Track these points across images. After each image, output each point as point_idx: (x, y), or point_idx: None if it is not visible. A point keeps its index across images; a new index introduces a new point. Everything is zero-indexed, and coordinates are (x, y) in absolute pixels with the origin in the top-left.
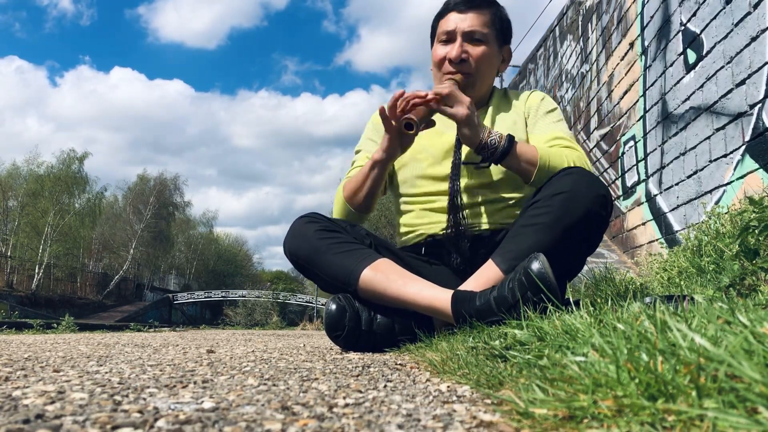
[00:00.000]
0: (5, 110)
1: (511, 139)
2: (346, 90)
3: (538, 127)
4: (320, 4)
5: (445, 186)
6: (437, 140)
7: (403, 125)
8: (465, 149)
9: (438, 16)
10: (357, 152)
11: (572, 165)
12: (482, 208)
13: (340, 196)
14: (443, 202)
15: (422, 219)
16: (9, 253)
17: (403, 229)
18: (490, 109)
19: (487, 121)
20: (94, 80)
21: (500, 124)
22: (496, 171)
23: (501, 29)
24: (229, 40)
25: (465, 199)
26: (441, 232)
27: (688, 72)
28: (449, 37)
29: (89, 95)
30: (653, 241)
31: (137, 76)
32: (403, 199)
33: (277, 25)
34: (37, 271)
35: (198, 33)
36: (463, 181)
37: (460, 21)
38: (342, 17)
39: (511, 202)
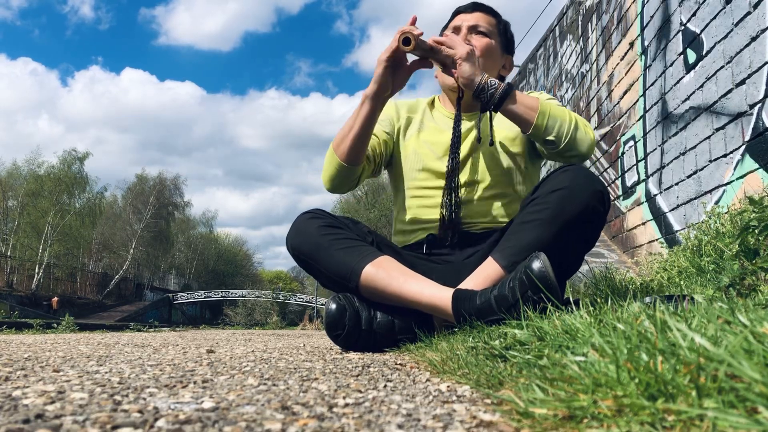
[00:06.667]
0: (18, 112)
1: (510, 84)
2: (355, 90)
3: None
4: (334, 8)
5: (443, 182)
6: (438, 137)
7: (400, 41)
8: (465, 147)
9: (446, 24)
10: None
11: (572, 120)
12: (477, 206)
13: (329, 151)
14: (440, 199)
15: (422, 217)
16: (9, 253)
17: (402, 227)
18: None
19: (486, 121)
20: (106, 81)
21: (501, 124)
22: (494, 165)
23: (505, 36)
24: (243, 43)
25: (462, 195)
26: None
27: (688, 72)
28: (455, 32)
29: (100, 96)
30: (653, 240)
31: (148, 78)
32: (402, 193)
33: (291, 28)
34: (37, 271)
35: (211, 36)
36: (462, 178)
37: (466, 19)
38: (353, 18)
39: (505, 201)
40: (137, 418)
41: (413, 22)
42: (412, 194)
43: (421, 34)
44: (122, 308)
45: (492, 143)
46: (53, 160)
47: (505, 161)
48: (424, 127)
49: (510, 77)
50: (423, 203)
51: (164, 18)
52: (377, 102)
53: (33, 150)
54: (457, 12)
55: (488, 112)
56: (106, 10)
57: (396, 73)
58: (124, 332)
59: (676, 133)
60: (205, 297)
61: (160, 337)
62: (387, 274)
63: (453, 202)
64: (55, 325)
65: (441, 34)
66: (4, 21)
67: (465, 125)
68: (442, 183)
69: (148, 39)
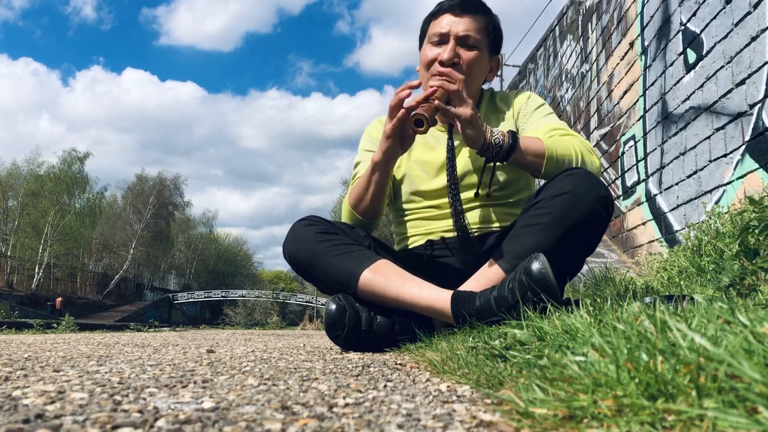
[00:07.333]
0: (19, 112)
1: (513, 135)
2: (356, 90)
3: (530, 124)
4: (336, 8)
5: (439, 200)
6: (429, 155)
7: (412, 122)
8: (460, 163)
9: (430, 16)
10: (357, 165)
11: (578, 153)
12: (477, 214)
13: (346, 205)
14: (440, 211)
15: (421, 226)
16: (9, 253)
17: (400, 237)
18: (480, 114)
19: (488, 171)
20: (107, 81)
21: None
22: (493, 181)
23: (494, 38)
24: (245, 44)
25: (464, 206)
26: (440, 237)
27: (688, 72)
28: (442, 39)
29: (101, 96)
30: (653, 240)
31: (149, 78)
32: (400, 211)
33: (292, 28)
34: (37, 271)
35: (212, 36)
36: (462, 194)
37: (454, 24)
38: (354, 18)
39: (505, 206)
40: (137, 418)
41: (405, 97)
42: (408, 213)
43: (428, 94)
44: (122, 308)
45: (489, 195)
46: (53, 160)
47: (503, 170)
48: (413, 144)
49: (510, 77)
50: (420, 216)
51: (165, 18)
52: (389, 167)
53: (33, 150)
54: (443, 10)
55: (492, 163)
56: (108, 11)
57: (403, 137)
58: (124, 332)
59: (676, 133)
60: (205, 297)
61: (160, 337)
62: (385, 278)
63: (459, 211)
64: (55, 325)
65: (423, 34)
66: (6, 21)
67: (456, 138)
68: (436, 201)
69: (149, 39)
